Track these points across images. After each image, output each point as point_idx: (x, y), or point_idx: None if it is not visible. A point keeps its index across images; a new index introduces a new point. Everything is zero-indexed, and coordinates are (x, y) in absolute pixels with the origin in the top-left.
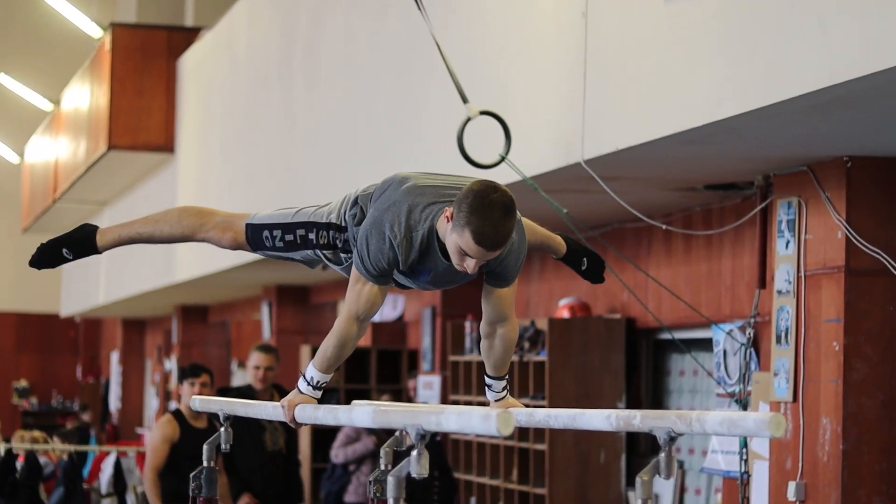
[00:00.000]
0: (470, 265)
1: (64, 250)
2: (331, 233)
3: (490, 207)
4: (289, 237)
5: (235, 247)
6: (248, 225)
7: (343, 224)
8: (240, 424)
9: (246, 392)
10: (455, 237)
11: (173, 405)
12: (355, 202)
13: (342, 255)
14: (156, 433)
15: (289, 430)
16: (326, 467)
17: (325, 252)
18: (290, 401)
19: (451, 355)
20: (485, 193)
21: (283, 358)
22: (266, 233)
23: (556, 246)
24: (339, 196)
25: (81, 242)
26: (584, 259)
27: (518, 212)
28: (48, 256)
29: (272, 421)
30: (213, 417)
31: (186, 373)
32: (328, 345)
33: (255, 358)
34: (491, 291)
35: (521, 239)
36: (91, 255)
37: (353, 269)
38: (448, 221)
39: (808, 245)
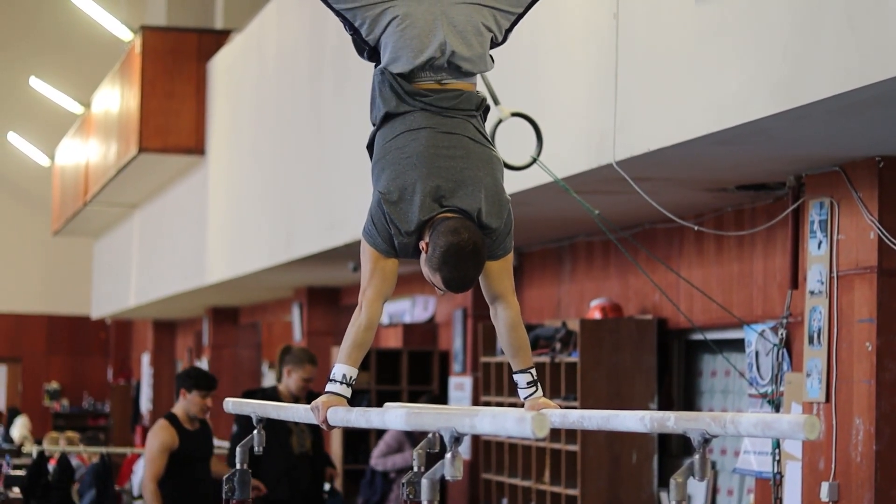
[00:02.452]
0: (439, 293)
1: None
2: (365, 45)
3: (460, 258)
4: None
5: None
6: None
7: (377, 48)
8: (266, 427)
9: (270, 394)
10: (427, 272)
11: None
12: (387, 81)
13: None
14: (153, 442)
15: (315, 433)
16: (364, 471)
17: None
18: (322, 402)
19: (483, 356)
20: (456, 246)
21: None
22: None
23: None
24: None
25: None
26: None
27: (508, 197)
28: None
29: (298, 423)
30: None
31: (201, 384)
32: (356, 332)
33: (310, 371)
34: (486, 267)
35: (509, 216)
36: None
37: (367, 249)
38: (424, 252)
39: (841, 245)
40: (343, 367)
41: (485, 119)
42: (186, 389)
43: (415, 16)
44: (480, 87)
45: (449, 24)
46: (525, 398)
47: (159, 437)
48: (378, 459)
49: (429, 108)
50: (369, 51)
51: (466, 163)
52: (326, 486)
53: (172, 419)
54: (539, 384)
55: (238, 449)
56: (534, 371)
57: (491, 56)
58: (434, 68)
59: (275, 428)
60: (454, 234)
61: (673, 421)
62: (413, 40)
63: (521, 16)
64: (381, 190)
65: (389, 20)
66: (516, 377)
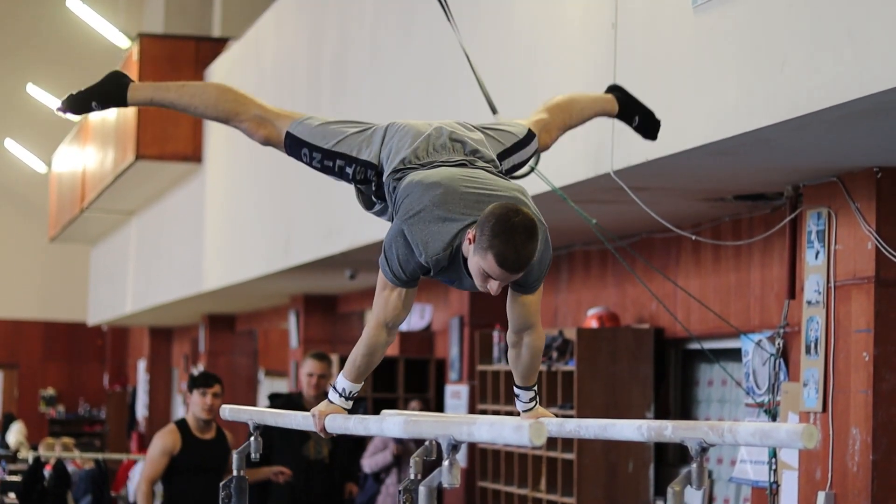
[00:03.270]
0: (493, 287)
1: (93, 102)
2: (368, 171)
3: (512, 231)
4: (327, 163)
5: (266, 144)
6: (288, 133)
7: (380, 169)
8: (281, 432)
9: (295, 400)
10: (477, 259)
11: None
12: (395, 172)
13: (374, 197)
14: (156, 444)
15: (335, 440)
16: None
17: (359, 186)
18: (320, 411)
19: (480, 365)
20: (507, 217)
21: None
22: (305, 150)
23: (608, 108)
24: (380, 123)
25: (112, 94)
26: (637, 117)
27: (543, 224)
28: (76, 104)
29: None
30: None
31: (198, 382)
32: (357, 353)
33: (309, 365)
34: (516, 299)
35: (546, 247)
36: (119, 107)
37: (380, 275)
38: (470, 243)
39: (838, 255)
40: (344, 381)
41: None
42: (189, 391)
43: (410, 123)
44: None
45: (442, 127)
46: (524, 411)
47: (162, 440)
48: (366, 460)
49: (446, 163)
50: (375, 190)
51: (495, 185)
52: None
53: (181, 424)
54: (538, 399)
55: (235, 455)
56: (536, 388)
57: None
58: (437, 147)
59: (290, 433)
60: (504, 207)
61: (671, 430)
62: (410, 132)
63: (509, 153)
64: (404, 210)
65: (384, 130)
66: (521, 392)
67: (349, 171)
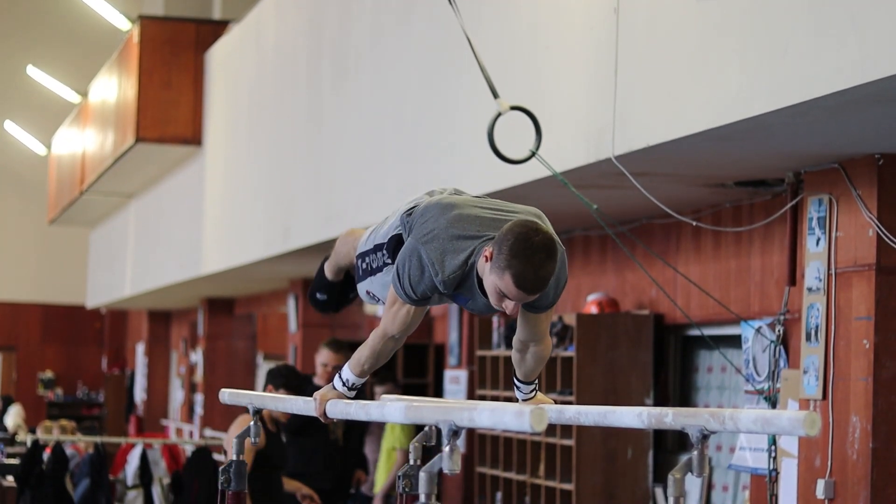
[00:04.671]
0: (509, 307)
1: (317, 294)
2: (379, 254)
3: (532, 251)
4: (363, 265)
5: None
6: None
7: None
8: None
9: (306, 379)
10: (494, 279)
11: (199, 398)
12: (400, 222)
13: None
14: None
15: (349, 423)
16: None
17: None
18: (322, 395)
19: (479, 350)
20: (527, 236)
21: (309, 351)
22: (357, 262)
23: None
24: (392, 211)
25: (327, 285)
26: None
27: (560, 245)
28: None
29: None
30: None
31: (290, 384)
32: (363, 355)
33: (325, 355)
34: (527, 316)
35: (562, 267)
36: (346, 297)
37: (391, 289)
38: (487, 261)
39: (839, 242)
40: (349, 373)
41: None
42: (274, 387)
43: None
44: (479, 81)
45: None
46: (523, 400)
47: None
48: None
49: (462, 193)
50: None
51: (511, 209)
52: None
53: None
54: (538, 388)
55: (234, 440)
56: (537, 382)
57: None
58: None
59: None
60: (523, 226)
61: (671, 417)
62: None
63: None
64: (419, 238)
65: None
66: (522, 386)
67: (370, 260)
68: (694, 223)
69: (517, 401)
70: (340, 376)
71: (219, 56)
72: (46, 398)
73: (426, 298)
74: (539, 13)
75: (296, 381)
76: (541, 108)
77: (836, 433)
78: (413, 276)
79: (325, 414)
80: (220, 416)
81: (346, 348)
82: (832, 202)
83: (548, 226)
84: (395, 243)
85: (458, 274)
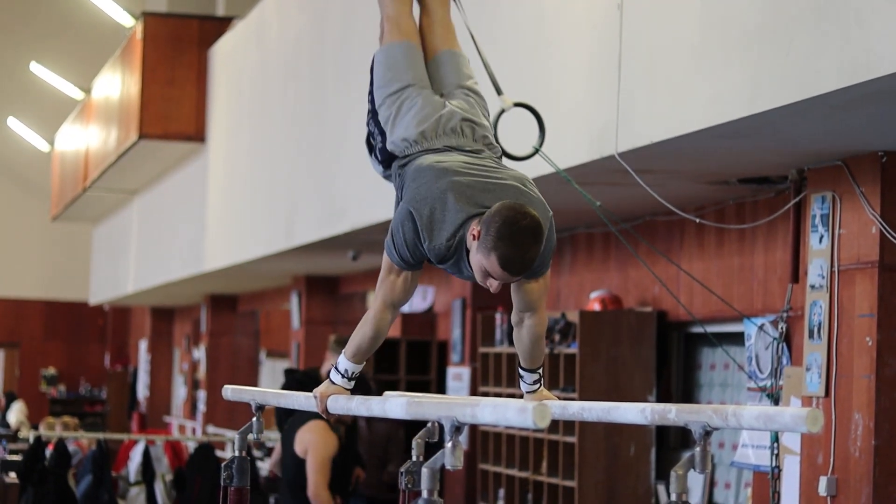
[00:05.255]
0: (493, 285)
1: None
2: (377, 132)
3: (518, 234)
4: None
5: None
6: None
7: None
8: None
9: (312, 374)
10: (480, 258)
11: (201, 395)
12: (402, 158)
13: (378, 158)
14: (322, 447)
15: (350, 425)
16: None
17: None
18: (322, 392)
19: (481, 347)
20: (514, 220)
21: (312, 348)
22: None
23: None
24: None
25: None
26: None
27: (548, 209)
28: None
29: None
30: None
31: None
32: (363, 335)
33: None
34: (520, 285)
35: (551, 233)
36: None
37: (385, 258)
38: (474, 239)
39: (842, 240)
40: (347, 363)
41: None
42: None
43: (424, 94)
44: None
45: (454, 105)
46: (527, 392)
47: (328, 443)
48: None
49: (456, 149)
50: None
51: (500, 174)
52: None
53: (327, 422)
54: (542, 381)
55: (237, 436)
56: (541, 371)
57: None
58: (447, 130)
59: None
60: (510, 209)
61: (674, 413)
62: (420, 111)
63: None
64: (410, 196)
65: (401, 103)
66: (525, 374)
67: (376, 132)
68: (697, 220)
69: (521, 396)
70: (338, 368)
71: (222, 53)
72: (49, 395)
73: (420, 263)
74: (543, 9)
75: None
76: (544, 104)
77: (838, 430)
78: (409, 242)
79: (326, 410)
80: (222, 412)
81: None
82: (835, 199)
83: (535, 192)
84: (386, 156)
85: (447, 245)
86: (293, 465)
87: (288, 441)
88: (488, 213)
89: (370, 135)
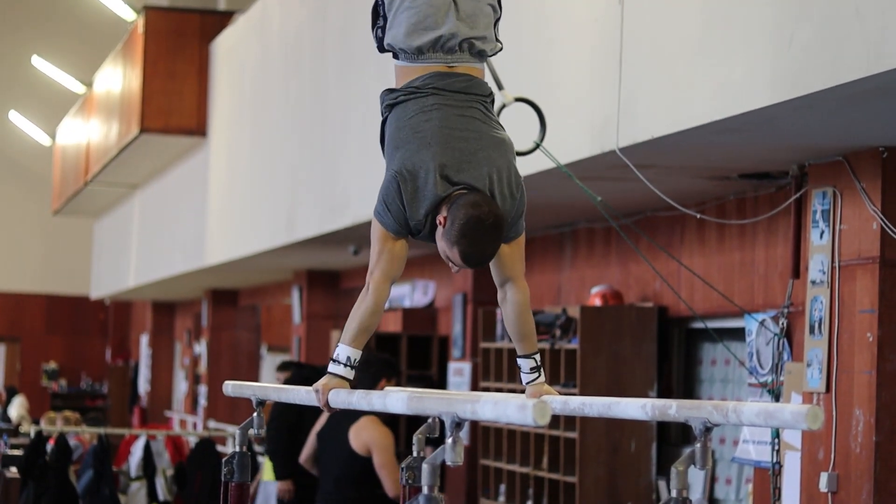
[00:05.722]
0: (454, 269)
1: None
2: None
3: (480, 231)
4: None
5: None
6: None
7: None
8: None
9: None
10: (444, 246)
11: (202, 389)
12: (391, 91)
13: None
14: (387, 443)
15: None
16: None
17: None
18: (323, 385)
19: (482, 342)
20: (477, 219)
21: (312, 343)
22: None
23: None
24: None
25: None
26: None
27: (519, 176)
28: None
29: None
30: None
31: (395, 371)
32: (363, 314)
33: None
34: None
35: (522, 198)
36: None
37: (377, 229)
38: (441, 226)
39: (843, 235)
40: (347, 349)
41: (491, 108)
42: (387, 378)
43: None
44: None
45: (458, 8)
46: (527, 383)
47: (390, 437)
48: None
49: (441, 92)
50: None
51: (479, 144)
52: None
53: (377, 415)
54: (542, 369)
55: (237, 432)
56: (538, 356)
57: (498, 38)
58: (444, 49)
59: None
60: (474, 206)
61: (675, 409)
62: (426, 19)
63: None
64: (396, 168)
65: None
66: (520, 361)
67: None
68: (698, 216)
69: (523, 391)
70: (337, 359)
71: (223, 47)
72: (50, 389)
73: (409, 230)
74: (544, 4)
75: (397, 368)
76: (545, 100)
77: (839, 426)
78: (394, 209)
79: (328, 404)
80: (223, 407)
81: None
82: (836, 195)
83: (510, 161)
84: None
85: (423, 221)
86: (351, 463)
87: (335, 436)
88: (455, 204)
89: (378, 5)
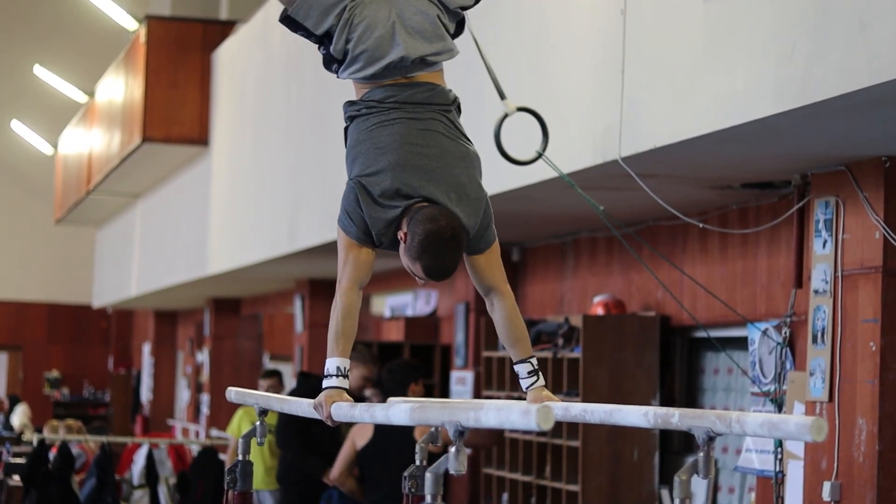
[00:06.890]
0: (419, 282)
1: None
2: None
3: (439, 245)
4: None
5: None
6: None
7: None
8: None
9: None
10: (407, 261)
11: (205, 398)
12: (353, 104)
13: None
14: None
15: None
16: None
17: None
18: (325, 398)
19: (485, 351)
20: (437, 234)
21: (315, 351)
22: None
23: None
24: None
25: None
26: None
27: (483, 189)
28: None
29: None
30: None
31: (420, 373)
32: (339, 324)
33: (372, 370)
34: (471, 262)
35: (487, 209)
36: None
37: (342, 237)
38: (402, 241)
39: (846, 245)
40: (335, 360)
41: (459, 115)
42: (415, 382)
43: (373, 21)
44: (485, 82)
45: (404, 27)
46: (527, 388)
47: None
48: None
49: (402, 106)
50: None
51: (440, 161)
52: None
53: None
54: (540, 373)
55: (240, 440)
56: (534, 360)
57: (452, 38)
58: (398, 68)
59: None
60: (432, 221)
61: (677, 418)
62: (375, 51)
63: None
64: (354, 180)
65: (348, 24)
66: (517, 367)
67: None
68: (700, 225)
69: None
70: (329, 373)
71: (226, 56)
72: (52, 398)
73: (373, 240)
74: (546, 14)
75: (421, 371)
76: (548, 109)
77: (842, 436)
78: (356, 219)
79: (331, 418)
80: (226, 416)
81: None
82: (839, 204)
83: (471, 173)
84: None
85: (384, 233)
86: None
87: (401, 446)
88: (414, 219)
89: (327, 53)
